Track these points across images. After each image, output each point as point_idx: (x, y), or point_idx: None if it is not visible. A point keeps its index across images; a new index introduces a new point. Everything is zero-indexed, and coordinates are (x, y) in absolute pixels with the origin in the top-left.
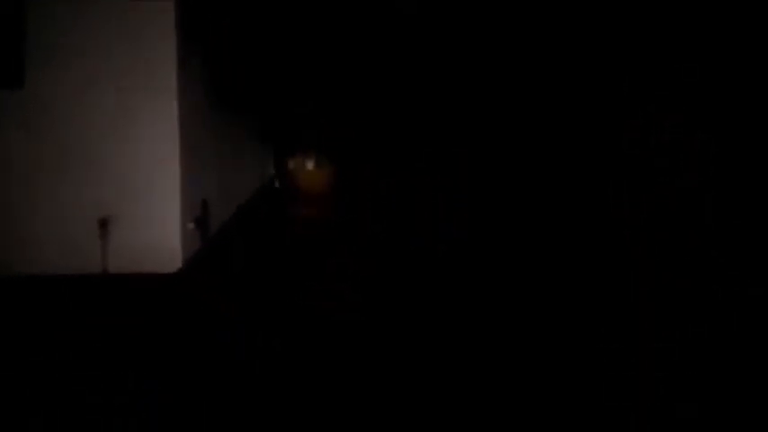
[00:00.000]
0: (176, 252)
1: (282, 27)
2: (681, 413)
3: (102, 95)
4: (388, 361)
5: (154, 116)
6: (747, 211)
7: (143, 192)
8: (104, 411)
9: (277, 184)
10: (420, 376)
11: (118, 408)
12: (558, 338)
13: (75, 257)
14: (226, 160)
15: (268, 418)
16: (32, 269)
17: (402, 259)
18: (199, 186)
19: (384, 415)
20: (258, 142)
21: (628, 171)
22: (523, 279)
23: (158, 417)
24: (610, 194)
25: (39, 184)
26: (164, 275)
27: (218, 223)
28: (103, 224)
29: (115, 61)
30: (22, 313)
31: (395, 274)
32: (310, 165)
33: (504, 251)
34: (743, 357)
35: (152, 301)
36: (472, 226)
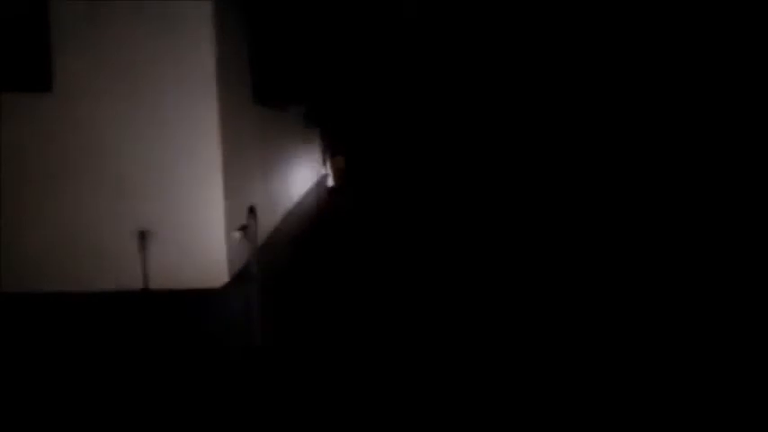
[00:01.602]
0: (222, 264)
1: (325, 27)
2: (680, 413)
3: (135, 97)
4: None
5: (193, 117)
6: (747, 211)
7: (184, 200)
8: None
9: (330, 183)
10: None
11: None
12: (557, 338)
13: (113, 273)
14: (273, 161)
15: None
16: (66, 286)
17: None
18: (244, 191)
19: None
20: (308, 141)
21: (628, 171)
22: (522, 278)
23: None
24: (610, 194)
25: (70, 194)
26: (208, 291)
27: (266, 231)
28: (142, 237)
29: (149, 61)
30: (55, 333)
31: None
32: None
33: (503, 250)
34: (743, 357)
35: (195, 320)
36: (469, 222)
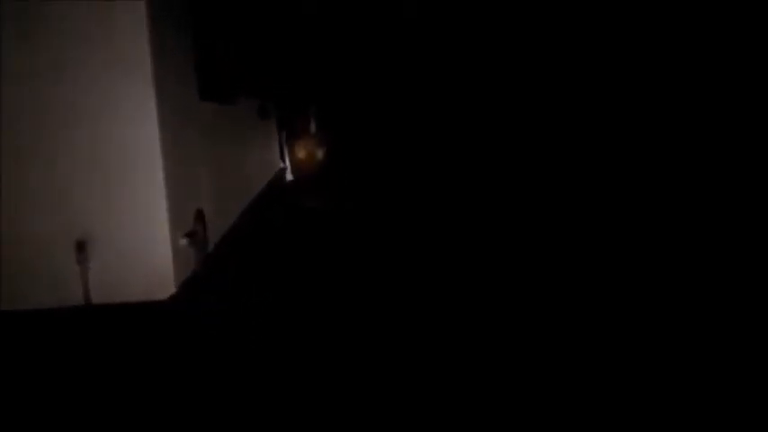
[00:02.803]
0: (167, 274)
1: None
2: (680, 413)
3: (69, 101)
4: None
5: (130, 116)
6: (747, 211)
7: (124, 206)
8: None
9: (289, 176)
10: None
11: None
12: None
13: (50, 288)
14: (226, 162)
15: None
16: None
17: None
18: (191, 195)
19: None
20: (262, 133)
21: (627, 171)
22: (519, 277)
23: None
24: (608, 194)
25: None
26: (153, 304)
27: (217, 236)
28: (81, 247)
29: (83, 60)
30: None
31: None
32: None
33: (500, 250)
34: (742, 357)
35: (141, 336)
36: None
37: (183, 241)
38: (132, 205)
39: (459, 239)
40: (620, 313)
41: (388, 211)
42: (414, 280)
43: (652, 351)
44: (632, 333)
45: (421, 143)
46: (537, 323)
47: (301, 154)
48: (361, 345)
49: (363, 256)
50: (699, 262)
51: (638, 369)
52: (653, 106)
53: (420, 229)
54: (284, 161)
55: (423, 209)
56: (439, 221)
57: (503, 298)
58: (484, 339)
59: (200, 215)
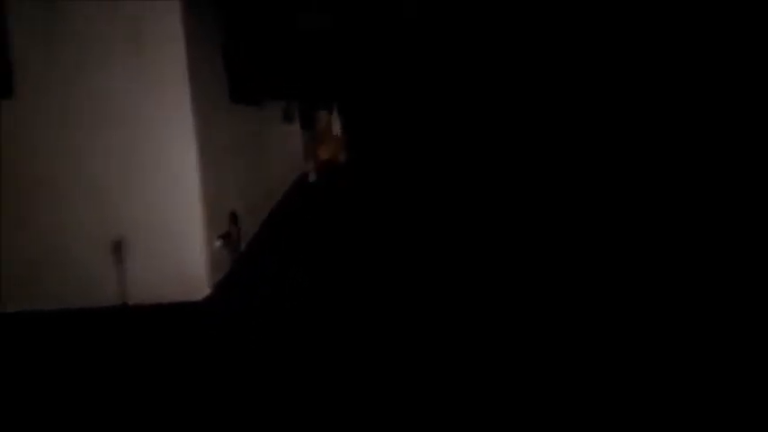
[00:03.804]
0: (201, 275)
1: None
2: (680, 413)
3: (103, 101)
4: None
5: (166, 118)
6: (747, 211)
7: (160, 208)
8: None
9: (312, 178)
10: None
11: None
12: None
13: (87, 289)
14: (254, 163)
15: None
16: (36, 304)
17: None
18: (225, 197)
19: None
20: (287, 135)
21: (627, 169)
22: (521, 276)
23: None
24: (608, 194)
25: (36, 204)
26: (188, 305)
27: (247, 237)
28: (117, 248)
29: (118, 62)
30: (26, 358)
31: None
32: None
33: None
34: (742, 357)
35: (175, 337)
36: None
37: (218, 243)
38: (168, 207)
39: (467, 239)
40: (621, 313)
41: (412, 207)
42: (447, 280)
43: (652, 351)
44: (632, 333)
45: (421, 144)
46: (539, 323)
47: (324, 155)
48: (399, 343)
49: (394, 254)
50: (699, 262)
51: (639, 369)
52: (653, 106)
53: (440, 227)
54: (308, 162)
55: (431, 208)
56: (450, 220)
57: (508, 297)
58: (488, 338)
59: (233, 217)
